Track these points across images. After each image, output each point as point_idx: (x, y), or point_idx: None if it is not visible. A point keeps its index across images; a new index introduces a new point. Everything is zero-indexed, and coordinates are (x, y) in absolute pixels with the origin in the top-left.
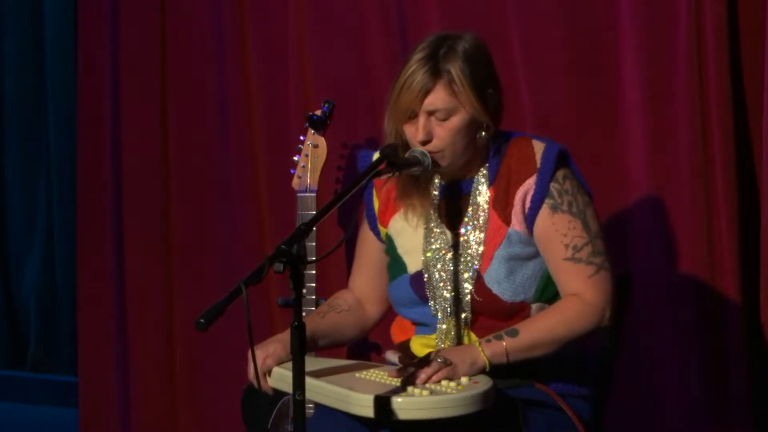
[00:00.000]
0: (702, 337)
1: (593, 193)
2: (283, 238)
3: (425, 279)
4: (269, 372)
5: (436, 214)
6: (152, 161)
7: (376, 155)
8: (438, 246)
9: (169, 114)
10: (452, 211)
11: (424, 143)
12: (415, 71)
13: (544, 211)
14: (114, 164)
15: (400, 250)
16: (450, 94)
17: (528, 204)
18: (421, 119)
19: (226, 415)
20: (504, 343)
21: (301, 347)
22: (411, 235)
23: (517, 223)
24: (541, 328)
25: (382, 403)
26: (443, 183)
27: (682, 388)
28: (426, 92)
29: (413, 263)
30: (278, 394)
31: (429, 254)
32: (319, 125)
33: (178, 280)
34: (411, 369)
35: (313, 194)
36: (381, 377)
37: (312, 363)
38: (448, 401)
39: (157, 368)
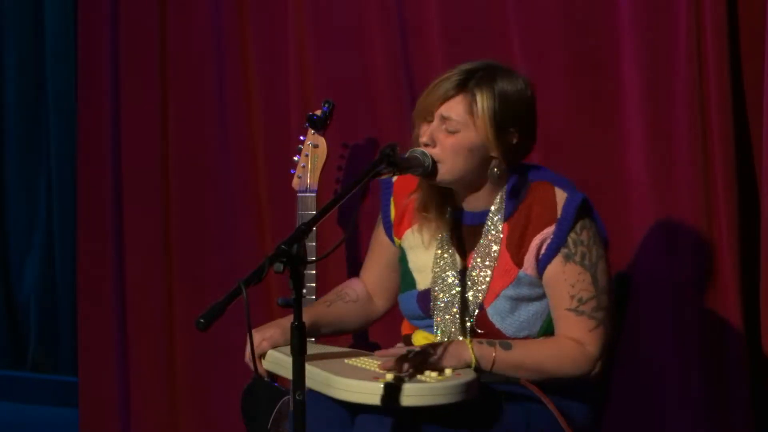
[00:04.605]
0: (702, 337)
1: (594, 192)
2: (283, 238)
3: (431, 299)
4: (264, 355)
5: (449, 238)
6: (152, 161)
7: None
8: (446, 270)
9: (169, 114)
10: (464, 238)
11: (426, 146)
12: (445, 79)
13: (558, 259)
14: (114, 164)
15: (411, 266)
16: (467, 112)
17: (543, 251)
18: (434, 123)
19: (226, 415)
20: (494, 352)
21: (301, 347)
22: (422, 253)
23: (529, 267)
24: (533, 355)
25: (360, 388)
26: (458, 209)
27: (682, 389)
28: (446, 98)
29: (422, 281)
30: (278, 392)
31: (437, 278)
32: (319, 125)
33: (178, 280)
34: (398, 357)
35: (313, 194)
36: (370, 365)
37: (309, 348)
38: (425, 389)
39: (157, 368)
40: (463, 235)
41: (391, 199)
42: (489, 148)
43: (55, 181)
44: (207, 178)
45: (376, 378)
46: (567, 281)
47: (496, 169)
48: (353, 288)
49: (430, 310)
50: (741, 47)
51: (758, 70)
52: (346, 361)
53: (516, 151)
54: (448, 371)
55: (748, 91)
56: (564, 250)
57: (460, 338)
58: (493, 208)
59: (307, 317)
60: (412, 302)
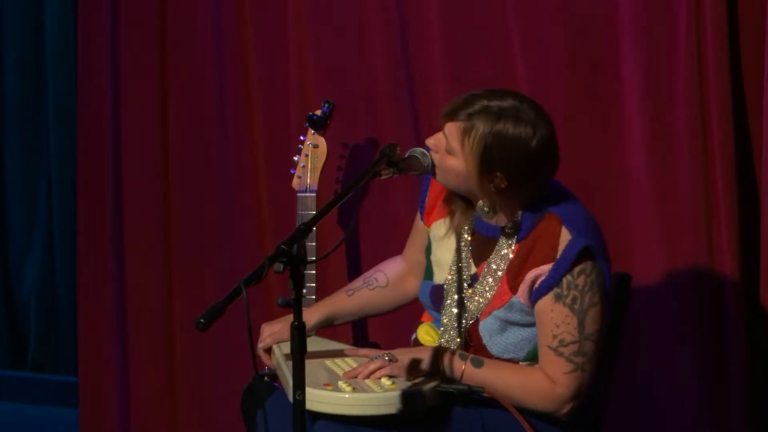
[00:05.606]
0: (702, 337)
1: (594, 192)
2: (283, 238)
3: (443, 296)
4: (270, 349)
5: (468, 241)
6: (152, 161)
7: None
8: (459, 272)
9: (169, 114)
10: (480, 246)
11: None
12: (465, 98)
13: (548, 297)
14: (114, 164)
15: (433, 257)
16: (459, 140)
17: (536, 286)
18: (441, 133)
19: (226, 415)
20: (464, 366)
21: (302, 347)
22: (444, 248)
23: (522, 296)
24: (501, 378)
25: (310, 394)
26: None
27: (682, 389)
28: (451, 117)
29: (439, 274)
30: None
31: (451, 277)
32: (319, 125)
33: (178, 280)
34: (365, 363)
35: (313, 194)
36: (343, 368)
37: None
38: (368, 399)
39: (157, 368)
40: (479, 243)
41: (430, 184)
42: (472, 180)
43: (55, 181)
44: (207, 178)
45: (325, 385)
46: (553, 320)
47: (486, 207)
48: (384, 271)
49: (440, 306)
50: (741, 47)
51: (758, 70)
52: (326, 362)
53: (502, 195)
54: (402, 380)
55: (748, 91)
56: (556, 290)
57: (442, 345)
58: (507, 227)
59: (323, 310)
60: (426, 293)
